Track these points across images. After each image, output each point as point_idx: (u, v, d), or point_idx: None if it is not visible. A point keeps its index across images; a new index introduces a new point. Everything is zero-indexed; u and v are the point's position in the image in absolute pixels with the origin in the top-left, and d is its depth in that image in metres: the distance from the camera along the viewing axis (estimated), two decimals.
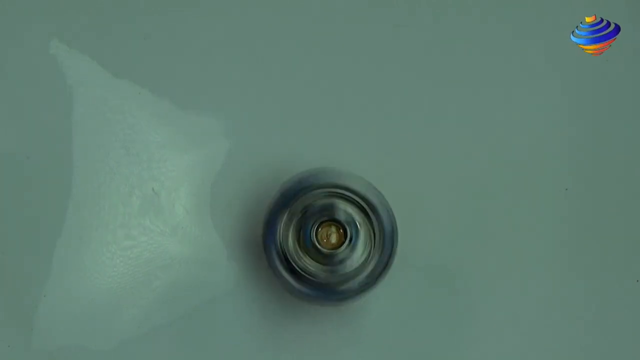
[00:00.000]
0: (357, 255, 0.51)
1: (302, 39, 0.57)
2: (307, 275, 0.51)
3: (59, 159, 0.56)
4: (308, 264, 0.51)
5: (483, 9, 0.58)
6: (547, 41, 0.58)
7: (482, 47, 0.58)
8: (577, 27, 0.57)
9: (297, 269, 0.51)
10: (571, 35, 0.56)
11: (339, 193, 0.51)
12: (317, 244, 0.51)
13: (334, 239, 0.52)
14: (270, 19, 0.57)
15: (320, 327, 0.56)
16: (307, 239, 0.51)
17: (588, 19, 0.57)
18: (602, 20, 0.57)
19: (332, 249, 0.51)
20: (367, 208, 0.51)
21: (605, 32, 0.57)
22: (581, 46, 0.56)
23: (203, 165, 0.57)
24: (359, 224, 0.51)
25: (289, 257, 0.51)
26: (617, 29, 0.56)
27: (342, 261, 0.51)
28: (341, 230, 0.52)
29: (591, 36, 0.57)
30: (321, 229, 0.52)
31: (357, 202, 0.51)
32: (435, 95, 0.57)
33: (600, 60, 0.58)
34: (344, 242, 0.51)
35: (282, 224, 0.51)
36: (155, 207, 0.56)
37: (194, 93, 0.57)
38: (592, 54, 0.57)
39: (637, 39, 0.58)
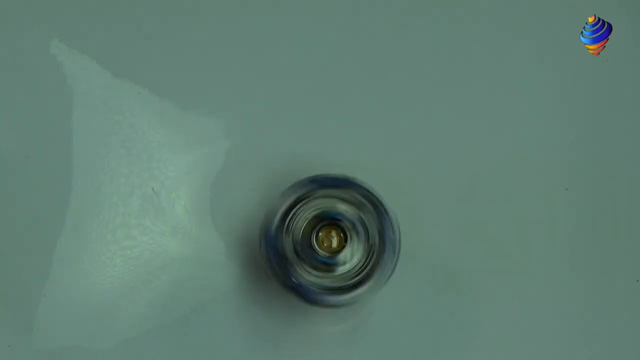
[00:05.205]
0: (362, 242, 0.51)
1: (302, 39, 0.57)
2: (336, 286, 0.51)
3: (59, 159, 0.56)
4: (330, 276, 0.51)
5: (483, 9, 0.58)
6: (547, 41, 0.58)
7: (482, 47, 0.58)
8: (584, 27, 0.57)
9: (331, 286, 0.51)
10: (580, 36, 0.56)
11: (305, 200, 0.52)
12: (325, 254, 0.51)
13: (335, 242, 0.52)
14: (271, 19, 0.57)
15: (322, 326, 0.56)
16: (317, 259, 0.51)
17: (590, 20, 0.57)
18: (599, 20, 0.57)
19: (338, 250, 0.52)
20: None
21: (601, 32, 0.57)
22: (587, 46, 0.57)
23: (203, 165, 0.57)
24: (345, 214, 0.51)
25: (317, 282, 0.51)
26: (610, 28, 0.57)
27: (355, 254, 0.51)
28: (341, 234, 0.52)
29: (591, 36, 0.57)
30: (320, 234, 0.52)
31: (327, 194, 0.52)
32: (435, 95, 0.57)
33: (600, 60, 0.58)
34: (345, 240, 0.51)
35: (294, 266, 0.51)
36: (155, 207, 0.56)
37: (194, 93, 0.57)
38: (592, 54, 0.57)
39: (637, 39, 0.58)
